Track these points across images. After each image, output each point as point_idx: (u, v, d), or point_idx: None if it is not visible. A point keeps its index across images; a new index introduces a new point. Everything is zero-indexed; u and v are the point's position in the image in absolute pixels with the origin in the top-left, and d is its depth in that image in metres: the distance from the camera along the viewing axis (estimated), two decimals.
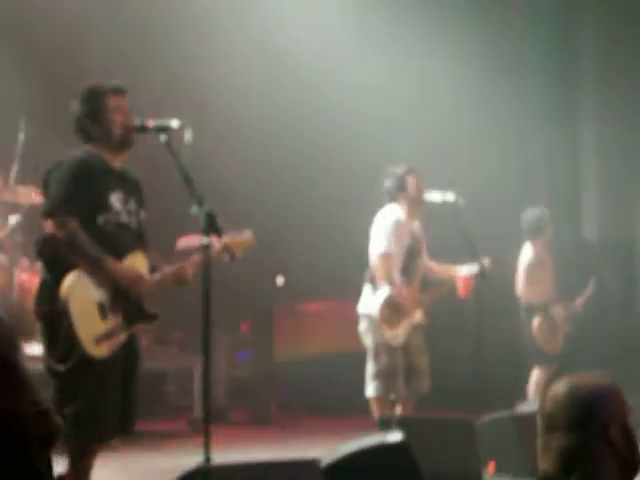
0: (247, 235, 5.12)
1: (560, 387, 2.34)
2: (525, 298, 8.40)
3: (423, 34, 9.83)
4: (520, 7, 10.84)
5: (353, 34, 9.63)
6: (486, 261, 7.08)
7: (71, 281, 4.50)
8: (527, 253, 8.44)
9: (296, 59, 9.14)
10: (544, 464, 2.33)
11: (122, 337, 4.65)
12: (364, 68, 9.48)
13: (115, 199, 4.69)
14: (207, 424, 4.58)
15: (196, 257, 4.76)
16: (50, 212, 4.57)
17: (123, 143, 4.77)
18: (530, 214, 8.48)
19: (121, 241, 4.68)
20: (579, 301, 8.72)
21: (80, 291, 4.52)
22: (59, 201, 4.55)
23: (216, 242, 4.64)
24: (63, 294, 4.48)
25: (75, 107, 4.77)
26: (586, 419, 2.29)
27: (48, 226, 4.56)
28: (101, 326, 4.56)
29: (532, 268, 8.37)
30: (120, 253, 4.66)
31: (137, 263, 4.75)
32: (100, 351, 4.54)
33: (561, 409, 2.30)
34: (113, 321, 4.60)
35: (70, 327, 4.45)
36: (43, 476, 0.95)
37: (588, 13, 11.04)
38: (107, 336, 4.56)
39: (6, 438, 0.94)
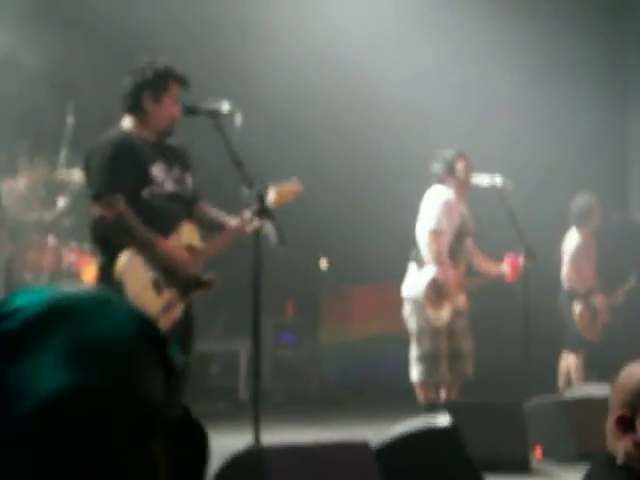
0: (294, 182, 5.16)
1: None
2: (568, 283, 8.35)
3: (468, 20, 9.76)
4: None
5: (398, 24, 9.60)
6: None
7: (123, 261, 4.54)
8: (573, 239, 8.38)
9: (342, 50, 9.13)
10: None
11: (180, 309, 4.69)
12: (409, 56, 9.43)
13: (157, 170, 4.71)
14: (256, 406, 4.60)
15: (246, 215, 4.76)
16: (97, 195, 4.62)
17: (165, 132, 4.80)
18: (580, 200, 8.40)
19: (170, 213, 4.72)
20: (620, 292, 8.64)
21: (133, 270, 4.56)
22: (104, 183, 4.60)
23: (267, 224, 4.66)
24: (117, 275, 4.52)
25: (143, 70, 4.77)
26: None
27: (97, 209, 4.61)
28: (158, 302, 4.60)
29: (578, 254, 8.31)
30: (169, 225, 4.71)
31: (189, 235, 4.79)
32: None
33: None
34: (169, 295, 4.65)
35: None
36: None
37: None
38: (164, 310, 4.59)
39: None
